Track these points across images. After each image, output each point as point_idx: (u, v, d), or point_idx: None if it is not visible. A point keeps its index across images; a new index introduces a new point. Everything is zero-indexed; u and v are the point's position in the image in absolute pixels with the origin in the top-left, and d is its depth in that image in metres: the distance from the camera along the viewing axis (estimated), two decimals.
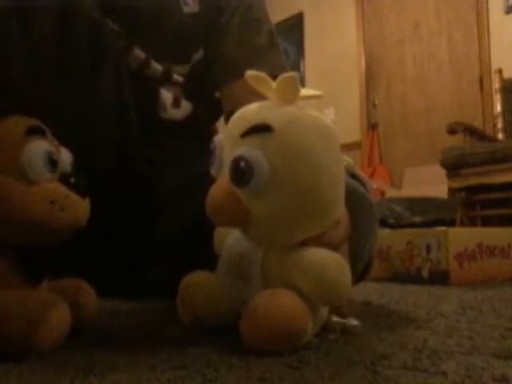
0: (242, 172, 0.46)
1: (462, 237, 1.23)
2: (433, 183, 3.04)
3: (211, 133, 0.90)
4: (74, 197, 0.50)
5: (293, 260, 0.48)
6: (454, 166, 2.44)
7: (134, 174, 0.77)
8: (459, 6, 3.46)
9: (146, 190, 0.77)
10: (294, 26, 4.45)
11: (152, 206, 0.78)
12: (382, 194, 3.27)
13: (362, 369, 0.41)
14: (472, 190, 2.47)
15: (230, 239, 0.55)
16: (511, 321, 0.64)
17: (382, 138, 3.86)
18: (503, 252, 1.27)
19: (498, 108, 2.80)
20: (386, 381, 0.37)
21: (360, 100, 3.99)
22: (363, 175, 0.74)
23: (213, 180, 0.52)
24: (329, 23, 4.21)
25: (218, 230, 0.58)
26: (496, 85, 2.83)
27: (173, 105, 0.83)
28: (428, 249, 1.20)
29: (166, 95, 0.82)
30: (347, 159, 0.63)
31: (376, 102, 3.91)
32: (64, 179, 0.51)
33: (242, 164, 0.45)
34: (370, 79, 3.97)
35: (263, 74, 0.47)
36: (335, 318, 0.54)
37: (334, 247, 0.50)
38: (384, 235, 1.30)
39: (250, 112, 0.49)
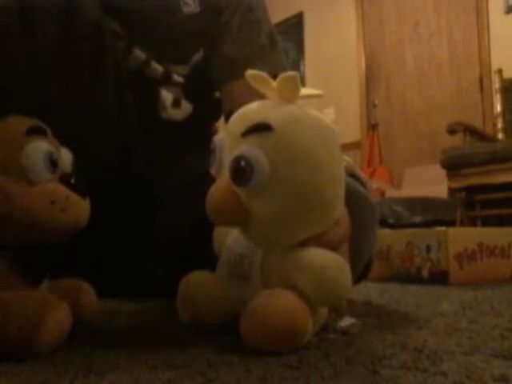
0: (242, 171, 0.46)
1: (462, 237, 1.23)
2: (433, 183, 3.04)
3: (211, 133, 0.90)
4: (74, 197, 0.50)
5: (293, 260, 0.48)
6: (453, 165, 2.44)
7: (133, 174, 0.78)
8: (459, 6, 3.45)
9: (145, 190, 0.77)
10: (294, 26, 4.45)
11: (152, 206, 0.78)
12: (382, 194, 3.27)
13: (361, 369, 0.41)
14: (472, 190, 2.47)
15: (229, 239, 0.55)
16: (511, 321, 0.64)
17: (382, 138, 3.86)
18: (503, 252, 1.27)
19: (498, 108, 2.80)
20: (386, 381, 0.37)
21: (360, 100, 3.99)
22: (363, 175, 0.74)
23: (213, 180, 0.52)
24: (329, 23, 4.21)
25: (218, 229, 0.58)
26: (496, 85, 2.83)
27: (173, 105, 0.83)
28: (428, 249, 1.20)
29: (166, 95, 0.82)
30: (347, 159, 0.63)
31: (376, 102, 3.91)
32: (64, 179, 0.51)
33: (242, 163, 0.45)
34: (370, 79, 3.97)
35: (263, 74, 0.47)
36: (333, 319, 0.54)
37: (334, 247, 0.50)
38: (384, 235, 1.30)
39: (250, 111, 0.49)
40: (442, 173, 2.54)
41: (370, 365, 0.42)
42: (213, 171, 0.57)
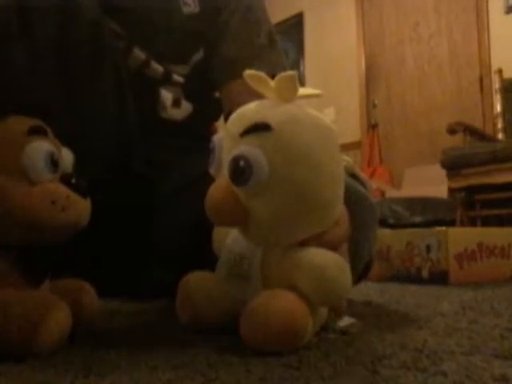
0: (241, 171, 0.46)
1: (462, 237, 1.23)
2: (433, 183, 3.04)
3: (211, 132, 0.90)
4: (75, 197, 0.50)
5: (293, 260, 0.48)
6: (453, 165, 2.44)
7: (133, 174, 0.77)
8: (459, 6, 3.45)
9: (145, 190, 0.77)
10: (294, 26, 4.45)
11: (152, 206, 0.78)
12: (382, 194, 3.27)
13: (361, 369, 0.41)
14: (472, 190, 2.47)
15: (229, 239, 0.55)
16: (511, 321, 0.64)
17: (382, 138, 3.86)
18: (503, 252, 1.27)
19: (498, 108, 2.80)
20: (386, 381, 0.37)
21: (360, 100, 3.99)
22: (363, 175, 0.74)
23: (212, 180, 0.52)
24: (329, 23, 4.21)
25: (218, 229, 0.58)
26: (496, 85, 2.83)
27: (173, 105, 0.83)
28: (428, 249, 1.20)
29: (166, 95, 0.82)
30: (347, 159, 0.64)
31: (376, 102, 3.91)
32: (65, 179, 0.51)
33: (241, 163, 0.45)
34: (370, 79, 3.97)
35: (262, 74, 0.47)
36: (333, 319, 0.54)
37: (334, 247, 0.50)
38: (384, 235, 1.30)
39: (248, 111, 0.49)
40: (442, 173, 2.54)
41: (369, 365, 0.42)
42: (212, 171, 0.57)
